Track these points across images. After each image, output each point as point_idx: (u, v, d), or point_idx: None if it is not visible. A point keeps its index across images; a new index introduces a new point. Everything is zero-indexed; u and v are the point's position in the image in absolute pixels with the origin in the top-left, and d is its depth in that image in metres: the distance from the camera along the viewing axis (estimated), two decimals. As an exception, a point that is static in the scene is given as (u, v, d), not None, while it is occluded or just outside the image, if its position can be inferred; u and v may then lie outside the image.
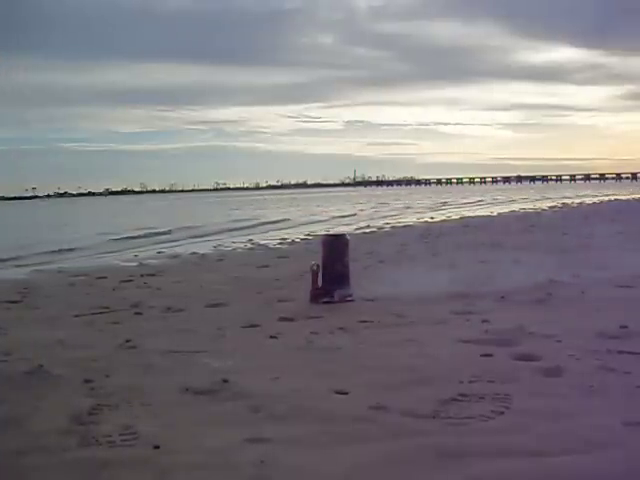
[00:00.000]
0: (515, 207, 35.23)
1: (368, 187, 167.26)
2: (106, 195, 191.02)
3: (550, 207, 33.71)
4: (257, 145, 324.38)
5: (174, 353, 6.01)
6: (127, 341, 6.53)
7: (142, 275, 12.39)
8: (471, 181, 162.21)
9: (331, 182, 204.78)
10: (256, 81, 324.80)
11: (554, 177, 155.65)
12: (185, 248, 18.70)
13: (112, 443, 3.91)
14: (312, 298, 8.43)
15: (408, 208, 41.26)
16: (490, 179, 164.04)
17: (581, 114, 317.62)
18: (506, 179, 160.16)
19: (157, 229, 27.33)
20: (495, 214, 29.42)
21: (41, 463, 3.71)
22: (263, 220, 33.21)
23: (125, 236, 24.45)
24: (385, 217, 31.32)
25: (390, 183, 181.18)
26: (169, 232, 26.14)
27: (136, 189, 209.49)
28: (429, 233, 19.22)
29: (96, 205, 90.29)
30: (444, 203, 47.21)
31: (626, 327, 6.16)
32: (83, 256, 18.19)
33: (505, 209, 33.58)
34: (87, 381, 5.15)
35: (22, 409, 4.57)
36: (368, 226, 24.21)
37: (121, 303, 9.03)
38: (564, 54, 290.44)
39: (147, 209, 63.04)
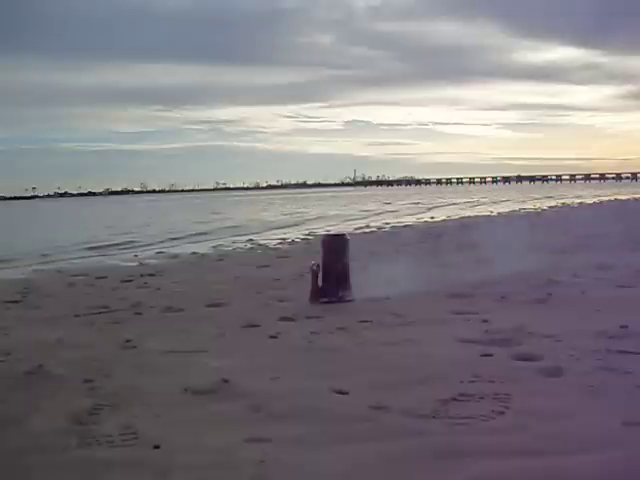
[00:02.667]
0: (516, 207, 35.24)
1: (368, 187, 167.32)
2: (106, 195, 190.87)
3: (550, 207, 33.73)
4: (257, 145, 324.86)
5: (174, 353, 6.01)
6: (127, 341, 6.53)
7: (142, 275, 12.39)
8: (471, 181, 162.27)
9: (331, 182, 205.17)
10: (256, 81, 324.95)
11: (554, 177, 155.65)
12: (185, 248, 18.71)
13: (112, 443, 3.91)
14: (312, 298, 8.43)
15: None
16: (490, 179, 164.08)
17: (581, 114, 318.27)
18: (506, 179, 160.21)
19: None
20: (495, 214, 29.41)
21: (41, 463, 3.71)
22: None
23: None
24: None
25: (390, 183, 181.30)
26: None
27: (136, 189, 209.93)
28: (429, 233, 19.22)
29: (115, 205, 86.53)
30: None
31: (626, 327, 6.16)
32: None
33: (507, 208, 33.60)
34: (87, 381, 5.15)
35: (22, 409, 4.57)
36: (368, 226, 24.21)
37: (121, 303, 9.03)
38: (564, 54, 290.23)
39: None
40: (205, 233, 25.29)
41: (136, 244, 21.51)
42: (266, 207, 52.53)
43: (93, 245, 21.39)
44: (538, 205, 36.20)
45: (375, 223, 26.12)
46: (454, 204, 44.62)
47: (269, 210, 46.48)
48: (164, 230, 27.08)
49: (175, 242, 21.77)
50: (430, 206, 42.25)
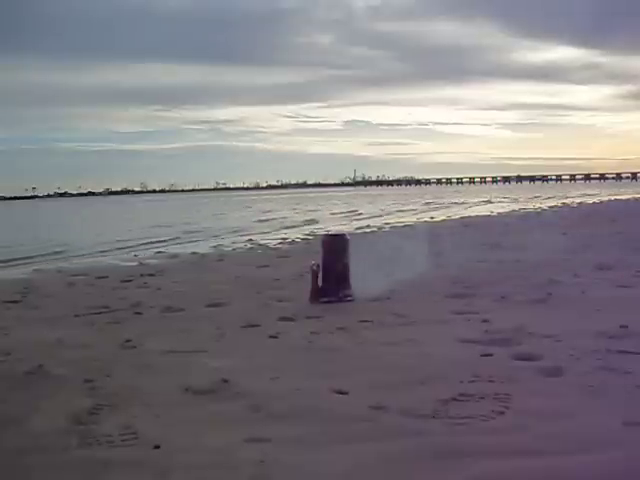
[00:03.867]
0: (516, 207, 35.24)
1: (369, 187, 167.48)
2: (106, 195, 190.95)
3: (550, 207, 33.74)
4: (257, 145, 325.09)
5: (174, 353, 6.01)
6: (127, 341, 6.53)
7: (142, 275, 12.38)
8: (471, 181, 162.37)
9: (331, 182, 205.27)
10: (255, 81, 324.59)
11: (554, 177, 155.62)
12: (185, 248, 18.71)
13: (112, 443, 3.92)
14: (312, 298, 8.43)
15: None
16: (490, 179, 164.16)
17: (581, 114, 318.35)
18: (506, 179, 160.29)
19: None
20: (495, 214, 29.43)
21: (41, 463, 3.72)
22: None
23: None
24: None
25: (390, 183, 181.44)
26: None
27: (136, 189, 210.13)
28: (429, 233, 19.20)
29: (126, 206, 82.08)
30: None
31: (626, 327, 6.16)
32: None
33: (506, 209, 33.61)
34: (87, 381, 5.15)
35: (22, 409, 4.57)
36: (368, 226, 24.20)
37: (121, 303, 9.03)
38: (564, 54, 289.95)
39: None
40: (281, 229, 25.44)
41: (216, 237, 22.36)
42: (298, 206, 52.30)
43: (169, 243, 21.56)
44: (538, 205, 36.23)
45: (375, 223, 26.10)
46: (490, 202, 44.73)
47: (320, 210, 44.91)
48: (228, 227, 27.51)
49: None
50: (471, 205, 42.09)
